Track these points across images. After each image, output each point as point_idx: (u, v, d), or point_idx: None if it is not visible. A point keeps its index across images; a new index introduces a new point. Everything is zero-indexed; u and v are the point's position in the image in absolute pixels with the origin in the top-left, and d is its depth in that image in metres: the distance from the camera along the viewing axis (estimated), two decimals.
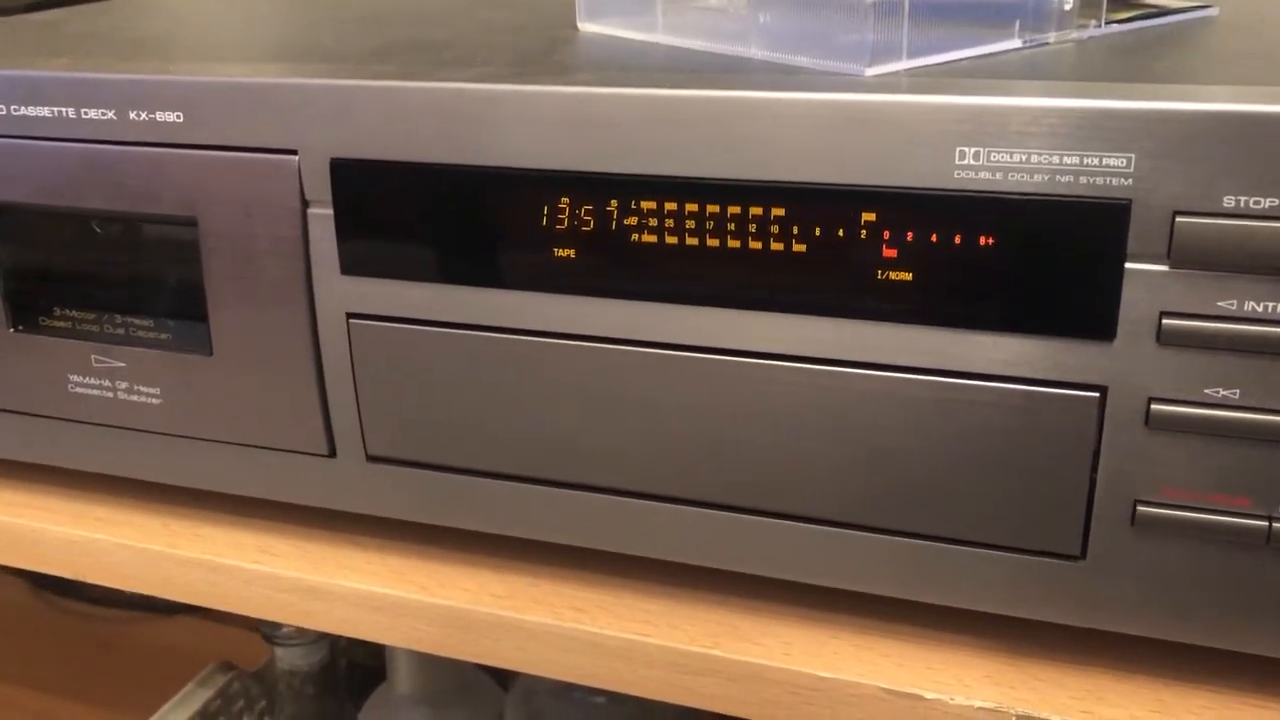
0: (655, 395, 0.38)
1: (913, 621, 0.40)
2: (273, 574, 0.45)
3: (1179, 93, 0.31)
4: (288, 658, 0.73)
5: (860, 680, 0.38)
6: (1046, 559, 0.35)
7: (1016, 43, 0.39)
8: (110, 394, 0.45)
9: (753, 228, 0.35)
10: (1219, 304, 0.31)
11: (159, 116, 0.41)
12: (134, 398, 0.45)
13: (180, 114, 0.40)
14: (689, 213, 0.36)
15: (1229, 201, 0.30)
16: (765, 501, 0.38)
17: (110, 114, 0.41)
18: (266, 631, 0.73)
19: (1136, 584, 0.35)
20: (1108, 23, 0.41)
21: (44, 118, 0.42)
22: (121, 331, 0.45)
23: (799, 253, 0.35)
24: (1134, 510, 0.34)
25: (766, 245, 0.35)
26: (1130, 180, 0.31)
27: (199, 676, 0.79)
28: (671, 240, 0.36)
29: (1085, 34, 0.41)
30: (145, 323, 0.44)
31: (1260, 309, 0.31)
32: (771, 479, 0.38)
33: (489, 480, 0.42)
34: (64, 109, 0.42)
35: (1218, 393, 0.32)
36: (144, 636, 1.02)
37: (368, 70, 0.39)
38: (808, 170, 0.34)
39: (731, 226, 0.35)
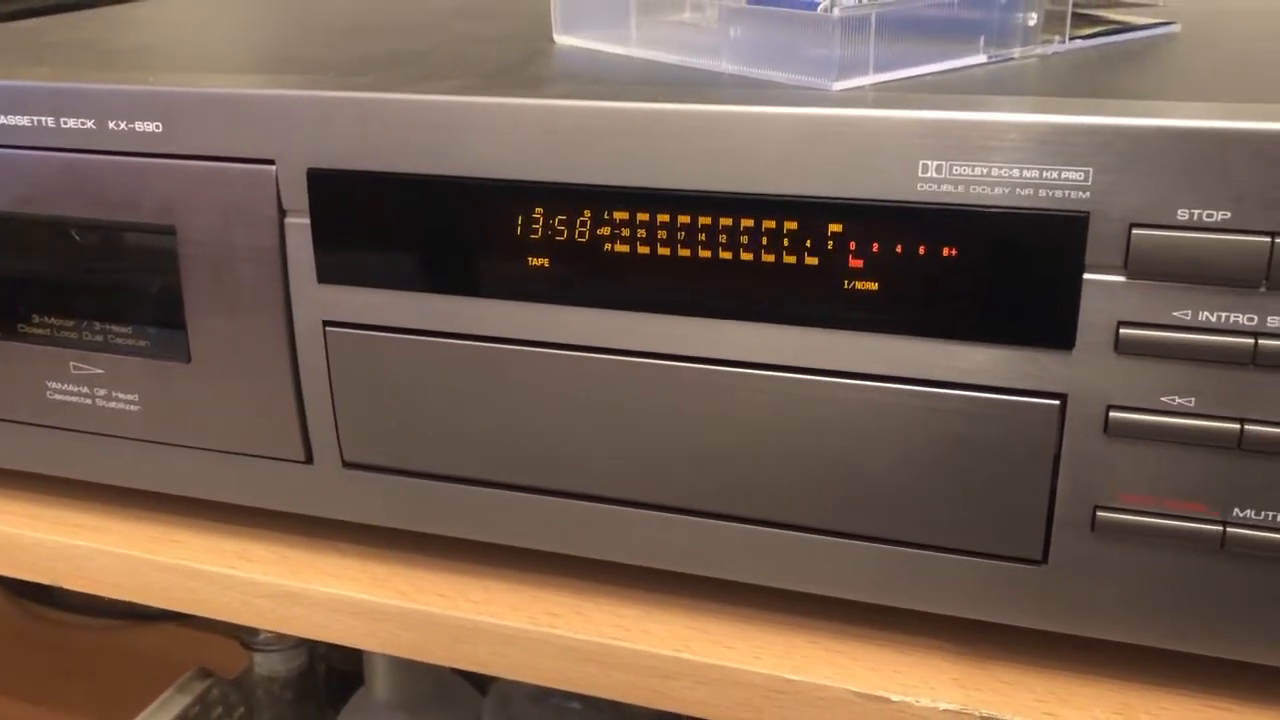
0: (628, 402, 0.39)
1: (881, 625, 0.40)
2: (250, 579, 0.46)
3: (1135, 108, 0.32)
4: (266, 664, 0.73)
5: (829, 683, 0.38)
6: (1010, 563, 0.36)
7: (981, 58, 0.40)
8: (89, 401, 0.46)
9: (723, 238, 0.36)
10: (1174, 314, 0.32)
11: (138, 126, 0.41)
12: (112, 404, 0.45)
13: (159, 124, 0.41)
14: (661, 223, 0.36)
15: (1183, 214, 0.31)
16: (735, 507, 0.39)
17: (90, 123, 0.42)
18: (245, 638, 0.74)
19: (1097, 588, 0.35)
20: (1072, 39, 0.42)
21: (23, 127, 0.43)
22: (100, 339, 0.45)
23: (768, 263, 0.35)
24: (1094, 516, 0.35)
25: (736, 255, 0.36)
26: (1088, 194, 0.32)
27: (177, 683, 0.79)
28: (644, 250, 0.37)
29: (1049, 50, 0.41)
30: (124, 330, 0.45)
31: (1214, 319, 0.32)
32: (741, 485, 0.38)
33: (465, 486, 0.42)
34: (43, 118, 0.42)
35: (1174, 400, 0.33)
36: (122, 644, 1.02)
37: (344, 82, 0.40)
38: (776, 182, 0.35)
39: (702, 237, 0.36)
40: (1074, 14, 0.42)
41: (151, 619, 0.99)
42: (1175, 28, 0.46)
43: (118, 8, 0.72)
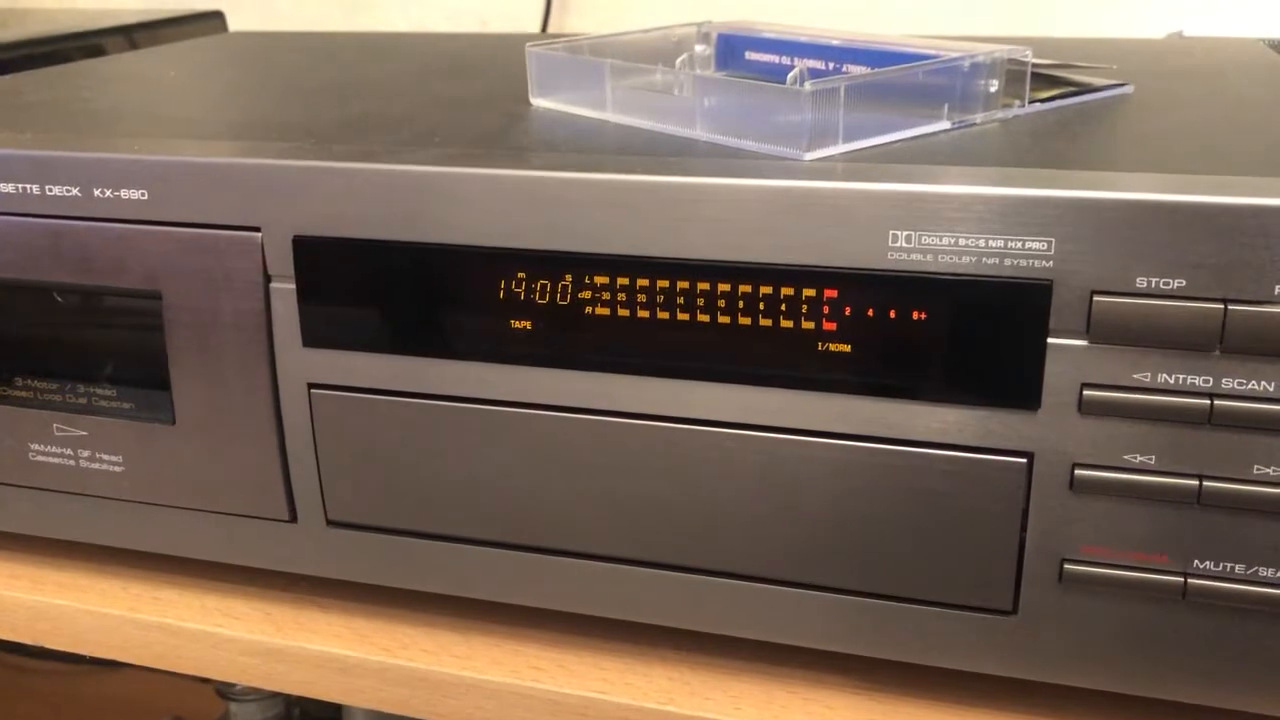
0: (608, 461, 0.40)
1: (858, 675, 0.42)
2: (234, 637, 0.46)
3: (1096, 180, 0.34)
4: (243, 714, 0.73)
5: None
6: (981, 614, 0.37)
7: (946, 124, 0.41)
8: (72, 462, 0.46)
9: (701, 302, 0.37)
10: (1134, 376, 0.34)
11: (123, 194, 0.42)
12: (96, 465, 0.46)
13: (145, 192, 0.42)
14: (640, 288, 0.37)
15: (1142, 282, 0.33)
16: (715, 562, 0.40)
17: (75, 191, 0.42)
18: (221, 688, 0.73)
19: (1065, 637, 0.37)
20: (1031, 102, 0.44)
21: (7, 193, 0.43)
22: (84, 401, 0.45)
23: (745, 326, 0.37)
24: (1061, 568, 0.36)
25: (714, 319, 0.37)
26: (1051, 262, 0.33)
27: None
28: (624, 313, 0.38)
29: (1010, 113, 0.43)
30: (108, 392, 0.45)
31: (1172, 380, 0.33)
32: (720, 541, 0.39)
33: (447, 544, 0.43)
34: (28, 185, 0.43)
35: (1135, 458, 0.34)
36: (91, 690, 1.01)
37: (327, 150, 0.41)
38: (752, 250, 0.36)
39: (681, 301, 0.37)
40: (1032, 74, 0.44)
41: (116, 664, 0.98)
42: (1128, 89, 0.48)
43: (90, 63, 0.72)
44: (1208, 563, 0.35)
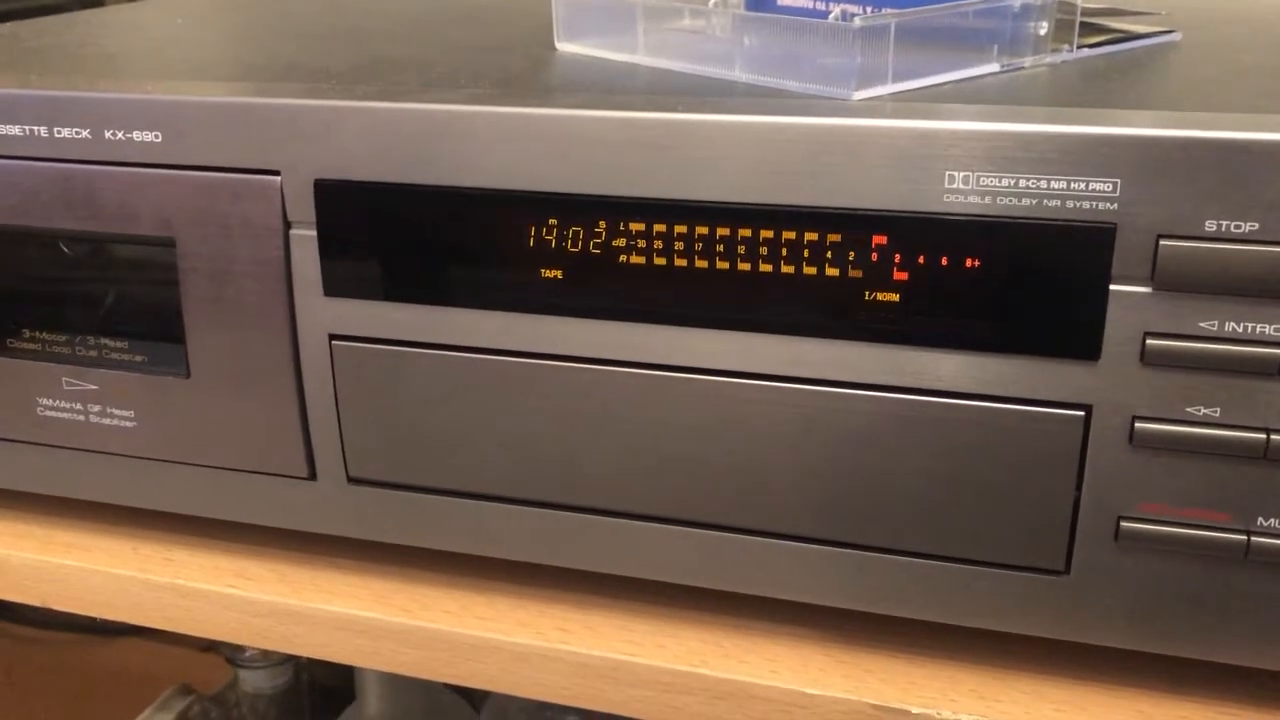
0: (640, 415, 0.38)
1: (897, 637, 0.40)
2: (248, 598, 0.45)
3: (1164, 119, 0.32)
4: (251, 680, 0.72)
5: (847, 696, 0.38)
6: (1032, 574, 0.36)
7: (995, 67, 0.40)
8: (82, 417, 0.45)
9: (743, 249, 0.35)
10: (1201, 325, 0.32)
11: (135, 136, 0.40)
12: (107, 421, 0.44)
13: (158, 134, 0.40)
14: (678, 234, 0.36)
15: (1211, 225, 0.31)
16: (750, 520, 0.39)
17: (85, 133, 0.41)
18: (229, 654, 0.72)
19: (1120, 598, 0.35)
20: (1079, 47, 0.42)
21: (15, 136, 0.42)
22: (94, 353, 0.44)
23: (788, 274, 0.35)
24: (1117, 526, 0.35)
25: (755, 267, 0.35)
26: (1115, 205, 0.32)
27: (158, 701, 0.78)
28: (660, 262, 0.36)
29: (1059, 58, 0.41)
30: (119, 344, 0.43)
31: (1240, 329, 0.32)
32: (757, 498, 0.38)
33: (472, 501, 0.41)
34: (35, 127, 0.41)
35: (1199, 411, 0.33)
36: (91, 660, 0.99)
37: (351, 90, 0.39)
38: (796, 193, 0.34)
39: (719, 248, 0.36)
40: (1080, 22, 0.42)
41: (121, 633, 0.97)
42: (1177, 36, 0.46)
43: (92, 12, 0.70)
44: (1273, 520, 0.33)
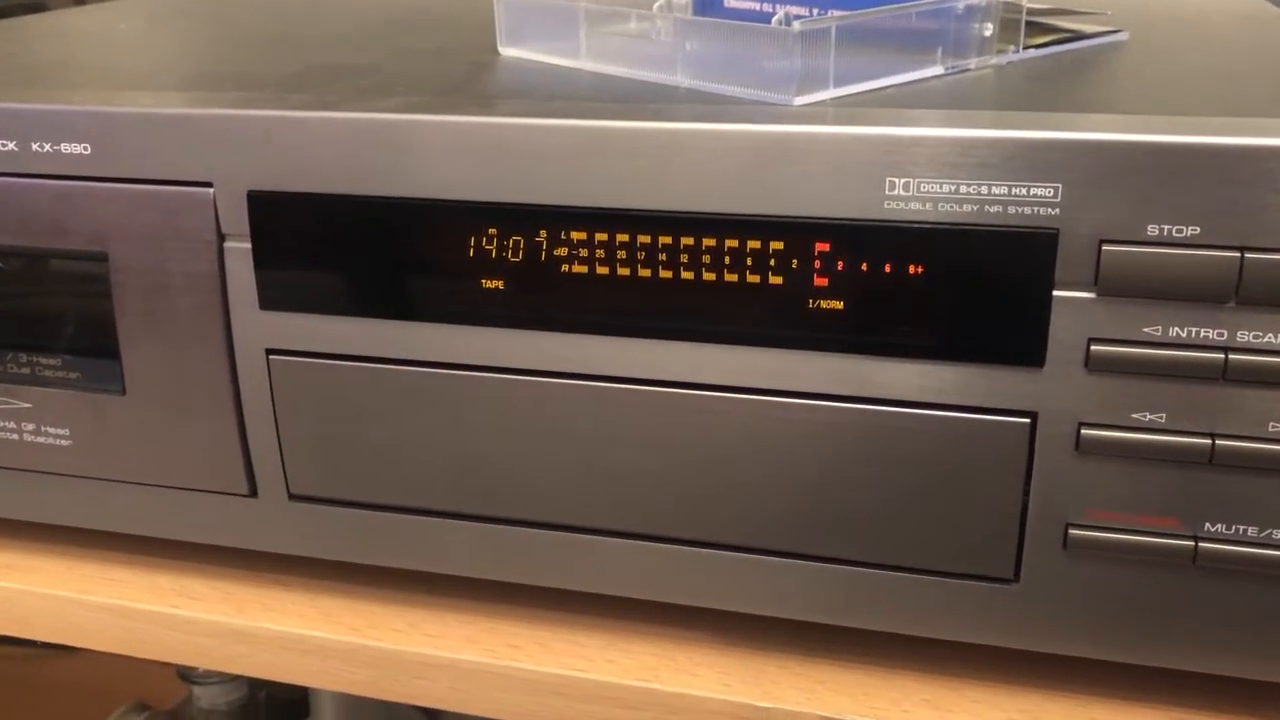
0: (584, 427, 0.37)
1: (849, 648, 0.40)
2: (192, 618, 0.44)
3: (1106, 123, 0.32)
4: (206, 696, 0.71)
5: (800, 709, 0.38)
6: (981, 583, 0.36)
7: (939, 69, 0.39)
8: (16, 436, 0.43)
9: (684, 258, 0.35)
10: (1144, 330, 0.32)
11: (64, 148, 0.39)
12: (42, 439, 0.43)
13: (88, 146, 0.39)
14: (620, 243, 0.35)
15: (1153, 230, 0.31)
16: (697, 532, 0.38)
17: (11, 145, 0.40)
18: (183, 670, 0.71)
19: (1070, 606, 0.35)
20: (1025, 48, 0.42)
21: None
22: (27, 371, 0.43)
23: (730, 283, 0.35)
24: (1065, 533, 0.34)
25: (698, 276, 0.35)
26: (1058, 210, 0.31)
27: (112, 717, 0.76)
28: (602, 271, 0.36)
29: (1004, 59, 0.41)
30: (53, 361, 0.42)
31: (1184, 334, 0.32)
32: (703, 509, 0.37)
33: (416, 517, 0.41)
34: None
35: (1145, 417, 0.33)
36: (45, 675, 0.98)
37: (284, 99, 0.38)
38: (738, 201, 0.34)
39: (662, 257, 0.35)
40: (1026, 20, 0.42)
41: (67, 648, 0.95)
42: (1123, 36, 0.46)
43: (25, 19, 0.69)
44: (1220, 525, 0.33)
